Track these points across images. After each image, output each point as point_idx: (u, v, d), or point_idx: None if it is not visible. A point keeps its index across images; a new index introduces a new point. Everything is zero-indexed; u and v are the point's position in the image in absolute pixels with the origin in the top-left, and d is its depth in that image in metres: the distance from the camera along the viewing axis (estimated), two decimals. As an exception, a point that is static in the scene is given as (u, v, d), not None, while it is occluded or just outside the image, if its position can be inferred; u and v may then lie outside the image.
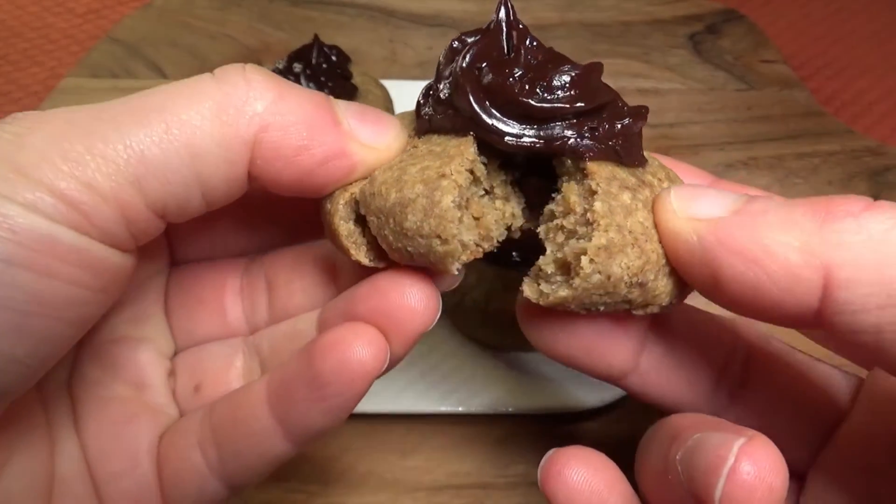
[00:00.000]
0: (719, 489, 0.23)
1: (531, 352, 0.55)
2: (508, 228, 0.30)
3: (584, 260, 0.26)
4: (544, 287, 0.28)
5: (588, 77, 0.28)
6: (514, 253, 0.53)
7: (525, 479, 0.50)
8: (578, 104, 0.27)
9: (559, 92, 0.27)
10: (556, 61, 0.28)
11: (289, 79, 0.66)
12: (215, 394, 0.33)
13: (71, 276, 0.24)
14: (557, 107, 0.27)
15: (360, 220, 0.29)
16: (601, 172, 0.27)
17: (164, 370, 0.34)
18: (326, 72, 0.68)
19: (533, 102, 0.27)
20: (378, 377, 0.28)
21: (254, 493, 0.48)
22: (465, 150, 0.27)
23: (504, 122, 0.27)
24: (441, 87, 0.29)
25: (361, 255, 0.29)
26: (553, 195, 0.29)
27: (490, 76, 0.27)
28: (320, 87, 0.67)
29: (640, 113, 0.29)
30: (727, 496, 0.23)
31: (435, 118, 0.29)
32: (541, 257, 0.28)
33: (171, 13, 0.94)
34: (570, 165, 0.28)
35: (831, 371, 0.33)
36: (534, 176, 0.31)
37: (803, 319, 0.24)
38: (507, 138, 0.27)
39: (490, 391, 0.52)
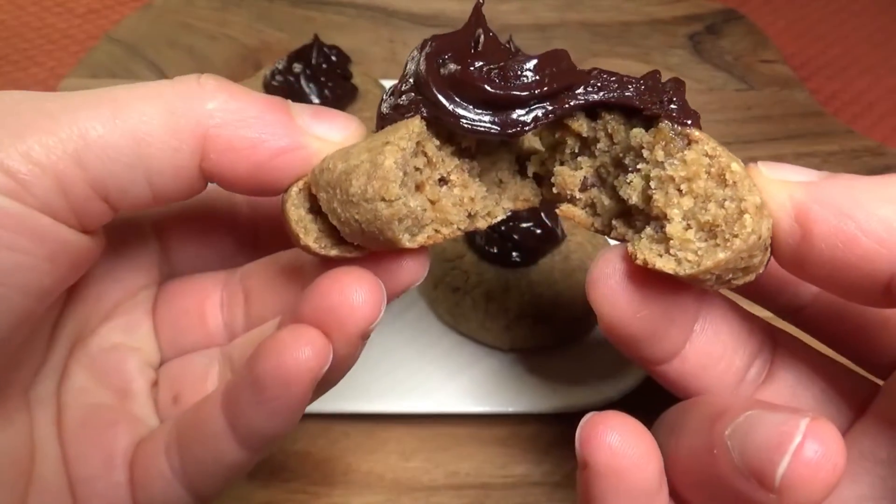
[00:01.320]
0: (783, 465, 0.23)
1: (531, 352, 0.55)
2: (472, 216, 0.30)
3: (747, 218, 0.25)
4: (688, 255, 0.26)
5: (548, 63, 0.28)
6: (514, 253, 0.53)
7: (525, 479, 0.50)
8: (540, 89, 0.27)
9: (520, 79, 0.27)
10: (520, 57, 0.28)
11: (289, 79, 0.67)
12: (191, 403, 0.33)
13: (11, 242, 0.25)
14: (514, 94, 0.27)
15: (314, 211, 0.29)
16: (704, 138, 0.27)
17: (149, 380, 0.35)
18: (326, 72, 0.68)
19: (489, 88, 0.27)
20: (323, 377, 0.28)
21: (255, 494, 0.48)
22: (409, 123, 0.27)
23: (463, 108, 0.27)
24: (403, 85, 0.29)
25: (310, 240, 0.29)
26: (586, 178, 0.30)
27: (452, 65, 0.28)
28: (320, 87, 0.67)
29: (654, 77, 0.29)
30: (792, 473, 0.23)
31: (392, 114, 0.29)
32: (667, 225, 0.27)
33: (171, 13, 0.94)
34: (671, 131, 0.27)
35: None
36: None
37: (880, 282, 0.25)
38: (462, 121, 0.27)
39: (490, 391, 0.52)
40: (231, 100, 0.28)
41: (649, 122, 0.29)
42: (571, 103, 0.28)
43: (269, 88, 0.68)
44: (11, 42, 0.90)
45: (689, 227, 0.27)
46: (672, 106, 0.28)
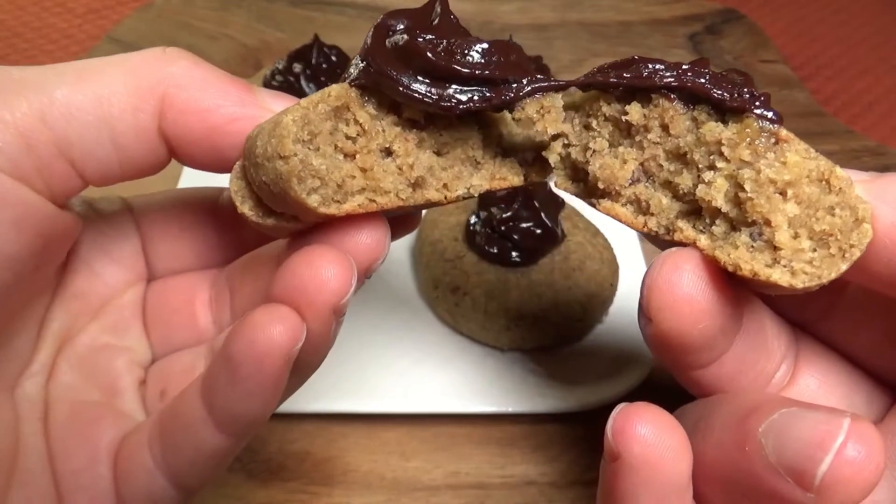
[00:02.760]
0: (825, 464, 0.23)
1: (531, 352, 0.55)
2: (416, 186, 0.29)
3: (866, 227, 0.24)
4: (804, 266, 0.25)
5: (498, 51, 0.28)
6: (514, 253, 0.53)
7: (525, 480, 0.50)
8: (481, 72, 0.27)
9: (465, 58, 0.27)
10: (475, 39, 0.28)
11: (289, 79, 0.67)
12: None
13: None
14: (454, 68, 0.27)
15: None
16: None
17: (137, 378, 0.35)
18: (326, 72, 0.68)
19: (431, 56, 0.27)
20: (301, 359, 0.28)
21: (254, 494, 0.48)
22: (331, 88, 0.27)
23: (404, 74, 0.27)
24: (355, 58, 0.29)
25: (246, 209, 0.29)
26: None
27: (402, 36, 0.28)
28: (320, 87, 0.66)
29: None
30: (834, 472, 0.23)
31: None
32: (775, 234, 0.25)
33: (171, 13, 0.94)
34: (759, 128, 0.26)
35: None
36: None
37: None
38: (398, 86, 0.27)
39: (490, 391, 0.52)
40: (194, 67, 0.29)
41: (721, 115, 0.27)
42: (652, 79, 0.27)
43: (269, 88, 0.68)
44: (11, 42, 0.90)
45: (796, 235, 0.25)
46: (757, 102, 0.26)
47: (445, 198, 0.30)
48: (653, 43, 0.93)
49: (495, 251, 0.53)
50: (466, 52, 0.27)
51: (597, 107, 0.30)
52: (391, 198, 0.29)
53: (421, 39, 0.27)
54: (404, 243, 0.61)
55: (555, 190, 0.57)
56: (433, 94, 0.27)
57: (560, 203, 0.56)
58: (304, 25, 0.93)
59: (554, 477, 0.50)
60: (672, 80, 0.27)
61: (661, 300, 0.26)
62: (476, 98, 0.27)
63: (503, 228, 0.53)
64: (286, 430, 0.51)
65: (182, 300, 0.37)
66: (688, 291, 0.26)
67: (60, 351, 0.34)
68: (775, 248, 0.25)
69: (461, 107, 0.27)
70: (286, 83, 0.67)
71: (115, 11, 0.96)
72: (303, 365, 0.30)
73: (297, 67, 0.67)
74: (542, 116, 0.29)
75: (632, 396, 0.52)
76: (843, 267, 0.24)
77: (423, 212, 0.57)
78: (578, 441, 0.52)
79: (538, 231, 0.53)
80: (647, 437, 0.26)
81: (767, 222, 0.25)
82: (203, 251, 0.37)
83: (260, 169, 0.27)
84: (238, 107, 0.29)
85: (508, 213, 0.53)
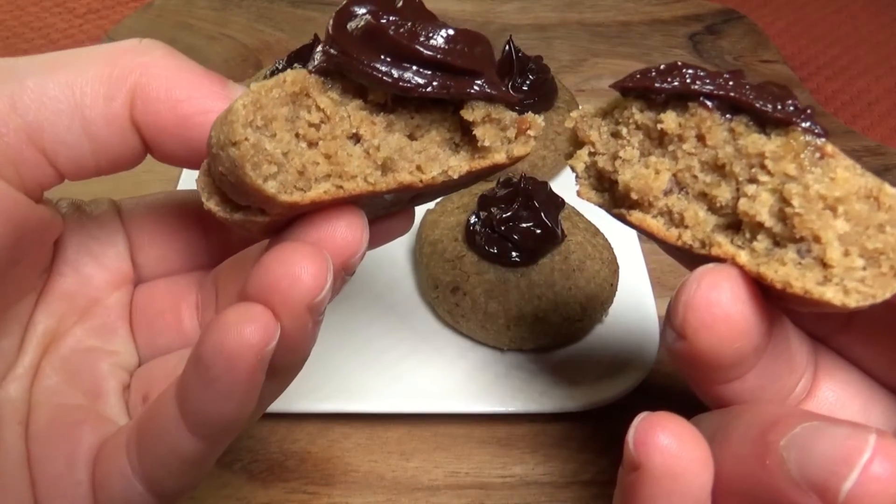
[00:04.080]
0: (851, 480, 0.22)
1: (531, 352, 0.55)
2: (386, 169, 0.28)
3: None
4: (857, 285, 0.24)
5: (464, 40, 0.27)
6: (514, 253, 0.53)
7: (525, 480, 0.50)
8: (444, 58, 0.27)
9: (428, 41, 0.27)
10: (441, 24, 0.28)
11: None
12: None
13: None
14: (416, 48, 0.26)
15: None
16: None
17: (121, 382, 0.34)
18: (326, 72, 0.68)
19: (392, 33, 0.26)
20: (280, 360, 0.27)
21: (255, 494, 0.48)
22: (287, 73, 0.27)
23: (364, 53, 0.27)
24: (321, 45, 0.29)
25: (212, 204, 0.28)
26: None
27: (366, 16, 0.27)
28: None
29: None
30: (860, 489, 0.22)
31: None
32: (826, 251, 0.24)
33: (170, 13, 0.94)
34: (806, 142, 0.25)
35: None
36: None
37: None
38: (356, 62, 0.26)
39: (490, 391, 0.52)
40: (168, 57, 0.29)
41: (761, 127, 0.26)
42: (693, 86, 0.26)
43: (269, 88, 0.68)
44: (11, 42, 0.90)
45: (847, 252, 0.24)
46: (802, 115, 0.25)
47: (421, 181, 0.29)
48: (653, 43, 0.93)
49: (495, 251, 0.53)
50: (431, 35, 0.27)
51: (628, 114, 0.29)
52: (359, 182, 0.28)
53: (384, 20, 0.27)
54: (404, 243, 0.61)
55: (555, 190, 0.57)
56: (393, 74, 0.26)
57: (560, 203, 0.56)
58: (304, 25, 0.93)
59: (554, 477, 0.50)
60: (713, 88, 0.26)
61: (699, 319, 0.26)
62: (436, 84, 0.27)
63: (503, 228, 0.53)
64: (286, 431, 0.51)
65: (169, 303, 0.36)
66: (727, 311, 0.26)
67: (46, 354, 0.33)
68: (825, 266, 0.24)
69: (419, 90, 0.27)
70: (286, 83, 0.67)
71: (115, 11, 0.96)
72: (281, 366, 0.29)
73: (297, 67, 0.67)
74: (484, 124, 0.28)
75: (631, 396, 0.52)
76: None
77: (420, 211, 0.57)
78: (579, 441, 0.52)
79: (538, 231, 0.53)
80: (671, 447, 0.26)
81: (817, 238, 0.24)
82: (191, 254, 0.37)
83: (217, 159, 0.26)
84: (209, 99, 0.28)
85: (508, 213, 0.53)
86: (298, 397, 0.49)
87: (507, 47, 0.65)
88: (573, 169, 0.30)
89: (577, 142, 0.31)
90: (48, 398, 0.32)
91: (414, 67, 0.27)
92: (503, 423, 0.52)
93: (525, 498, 0.49)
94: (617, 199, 0.29)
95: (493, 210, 0.54)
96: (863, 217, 0.24)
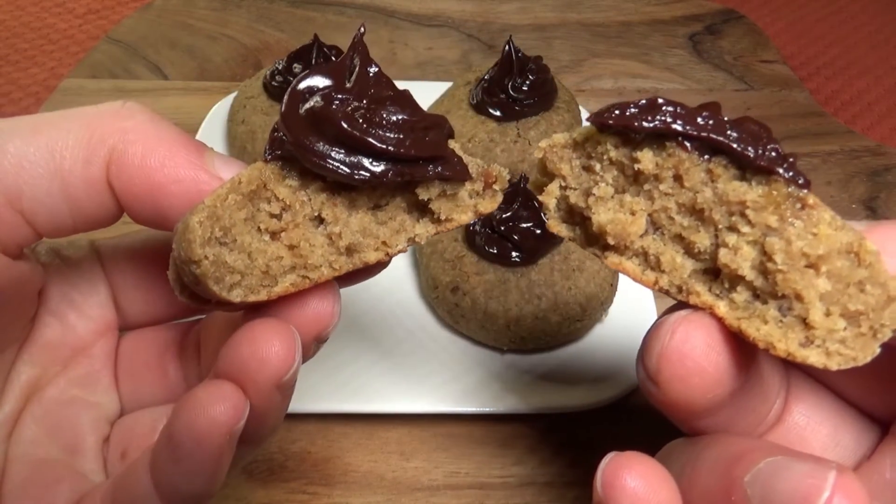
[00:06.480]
0: None
1: (530, 352, 0.55)
2: (350, 251, 0.29)
3: None
4: (839, 348, 0.24)
5: (421, 122, 0.27)
6: (514, 253, 0.53)
7: (525, 480, 0.50)
8: (397, 150, 0.26)
9: (383, 129, 0.26)
10: (400, 101, 0.27)
11: (289, 79, 0.67)
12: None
13: None
14: (370, 142, 0.26)
15: None
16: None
17: (102, 435, 0.34)
18: (326, 72, 0.68)
19: (346, 126, 0.26)
20: (249, 432, 0.28)
21: (254, 494, 0.48)
22: (245, 171, 0.27)
23: (318, 143, 0.26)
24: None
25: (184, 298, 0.28)
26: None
27: (317, 98, 0.27)
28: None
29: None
30: None
31: (266, 148, 0.28)
32: (808, 311, 0.24)
33: (170, 13, 0.94)
34: (784, 192, 0.24)
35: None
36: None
37: None
38: (312, 156, 0.26)
39: (490, 391, 0.52)
40: (148, 123, 0.28)
41: (739, 169, 0.25)
42: (677, 127, 0.25)
43: (269, 88, 0.68)
44: (11, 42, 0.90)
45: (829, 312, 0.24)
46: (785, 164, 0.24)
47: (387, 254, 0.29)
48: (653, 43, 0.93)
49: (495, 251, 0.53)
50: (385, 122, 0.26)
51: (602, 149, 0.28)
52: (324, 271, 0.28)
53: (336, 104, 0.26)
54: (404, 243, 0.61)
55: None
56: (347, 166, 0.26)
57: (560, 203, 0.56)
58: (304, 25, 0.93)
59: (553, 477, 0.50)
60: (694, 129, 0.25)
61: (671, 372, 0.26)
62: (391, 173, 0.27)
63: (503, 228, 0.53)
64: (286, 431, 0.51)
65: (153, 353, 0.36)
66: (700, 363, 0.25)
67: (28, 404, 0.33)
68: (807, 326, 0.24)
69: (374, 180, 0.26)
70: (286, 83, 0.66)
71: (115, 12, 0.96)
72: (250, 437, 0.29)
73: (297, 68, 0.67)
74: (439, 199, 0.28)
75: (631, 396, 0.52)
76: (877, 347, 0.23)
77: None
78: (578, 441, 0.52)
79: (538, 231, 0.53)
80: (637, 489, 0.26)
81: (799, 297, 0.24)
82: (170, 302, 0.37)
83: (180, 270, 0.26)
84: (182, 168, 0.28)
85: (508, 213, 0.53)
86: (298, 397, 0.49)
87: (507, 47, 0.65)
88: (544, 205, 0.30)
89: (546, 172, 0.30)
90: (26, 451, 0.32)
91: (369, 158, 0.26)
92: (503, 423, 0.52)
93: (525, 498, 0.49)
94: (590, 237, 0.29)
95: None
96: (844, 274, 0.24)
